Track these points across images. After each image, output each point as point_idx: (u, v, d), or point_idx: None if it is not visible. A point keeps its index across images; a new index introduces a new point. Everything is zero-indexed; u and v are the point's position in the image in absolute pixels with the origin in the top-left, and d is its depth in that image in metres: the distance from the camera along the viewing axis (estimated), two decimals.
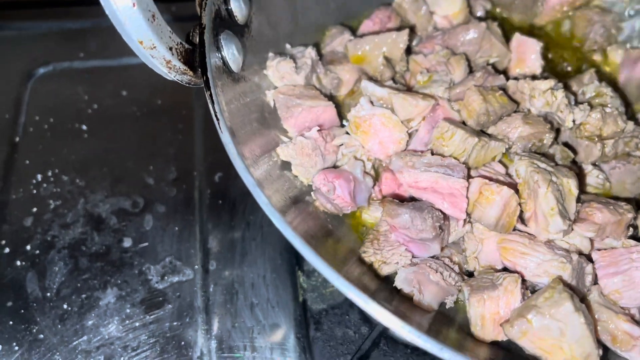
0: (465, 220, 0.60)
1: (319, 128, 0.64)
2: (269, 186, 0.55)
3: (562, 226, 0.56)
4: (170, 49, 0.50)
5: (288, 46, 0.72)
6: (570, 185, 0.58)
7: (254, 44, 0.66)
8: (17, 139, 0.88)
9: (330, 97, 0.71)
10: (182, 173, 0.86)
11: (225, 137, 0.49)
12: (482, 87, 0.67)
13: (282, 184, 0.62)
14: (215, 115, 0.50)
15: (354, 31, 0.78)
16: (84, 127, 0.90)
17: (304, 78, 0.67)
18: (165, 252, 0.79)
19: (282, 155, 0.63)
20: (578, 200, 0.59)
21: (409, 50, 0.75)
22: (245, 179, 0.47)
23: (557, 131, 0.68)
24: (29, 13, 1.03)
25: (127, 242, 0.80)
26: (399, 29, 0.74)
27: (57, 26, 1.02)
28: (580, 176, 0.66)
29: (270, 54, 0.69)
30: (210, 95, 0.51)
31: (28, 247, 0.78)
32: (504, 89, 0.69)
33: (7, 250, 0.78)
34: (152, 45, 0.48)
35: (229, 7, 0.62)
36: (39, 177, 0.85)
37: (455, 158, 0.61)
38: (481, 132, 0.64)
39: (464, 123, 0.66)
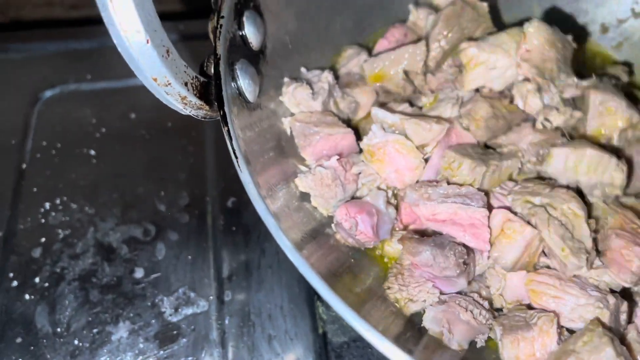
0: (488, 252, 0.57)
1: (338, 157, 0.61)
2: (287, 220, 0.53)
3: (580, 263, 0.54)
4: (186, 84, 0.47)
5: (304, 70, 0.69)
6: (573, 209, 0.56)
7: (269, 69, 0.64)
8: (24, 165, 0.86)
9: (348, 121, 0.69)
10: (194, 198, 0.84)
11: (245, 177, 0.47)
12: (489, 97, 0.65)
13: (300, 216, 0.59)
14: (234, 153, 0.47)
15: (370, 51, 0.76)
16: (92, 152, 0.88)
17: (321, 104, 0.65)
18: (179, 283, 0.77)
19: (301, 187, 0.60)
20: (590, 215, 0.57)
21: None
22: (268, 222, 0.44)
23: (571, 137, 0.66)
24: (34, 34, 1.01)
25: (139, 273, 0.77)
26: (415, 42, 0.71)
27: (63, 47, 0.99)
28: None
29: (286, 79, 0.67)
30: (228, 131, 0.48)
31: (37, 280, 0.76)
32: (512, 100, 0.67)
33: (15, 283, 0.76)
34: (167, 82, 0.45)
35: (244, 33, 0.60)
36: (47, 205, 0.82)
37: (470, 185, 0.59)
38: (490, 152, 0.62)
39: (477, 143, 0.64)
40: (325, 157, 0.62)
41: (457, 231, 0.57)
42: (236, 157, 0.47)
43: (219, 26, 0.55)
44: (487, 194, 0.58)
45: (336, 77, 0.70)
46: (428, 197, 0.58)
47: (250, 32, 0.60)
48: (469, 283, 0.58)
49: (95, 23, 0.94)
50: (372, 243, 0.59)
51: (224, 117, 0.49)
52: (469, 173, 0.57)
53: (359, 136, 0.67)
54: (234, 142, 0.48)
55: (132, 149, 0.88)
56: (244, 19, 0.59)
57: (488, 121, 0.62)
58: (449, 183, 0.58)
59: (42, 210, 0.82)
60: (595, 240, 0.56)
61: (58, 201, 0.83)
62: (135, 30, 0.42)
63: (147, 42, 0.43)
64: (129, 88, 0.94)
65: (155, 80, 0.45)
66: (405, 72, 0.68)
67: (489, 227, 0.56)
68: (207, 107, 0.50)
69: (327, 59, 0.74)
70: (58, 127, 0.90)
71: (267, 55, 0.64)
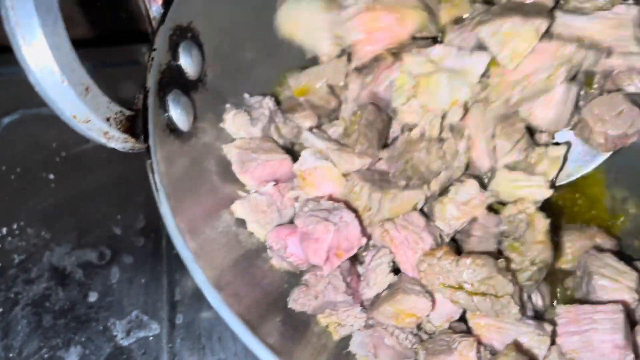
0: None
1: (274, 182, 0.63)
2: (215, 250, 0.54)
3: (517, 316, 0.55)
4: (108, 119, 0.49)
5: (247, 96, 0.70)
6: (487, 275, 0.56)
7: (209, 97, 0.65)
8: None
9: (291, 146, 0.70)
10: (150, 221, 0.85)
11: (164, 210, 0.48)
12: None
13: (234, 242, 0.60)
14: (155, 186, 0.49)
15: None
16: (52, 176, 0.89)
17: (261, 130, 0.66)
18: (132, 306, 0.78)
19: (237, 213, 0.61)
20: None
21: None
22: (184, 256, 0.46)
23: None
24: None
25: (93, 297, 0.78)
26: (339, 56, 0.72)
27: (22, 71, 1.00)
28: None
29: (228, 106, 0.68)
30: (151, 164, 0.50)
31: None
32: None
33: None
34: (87, 119, 0.47)
35: (179, 64, 0.61)
36: (4, 230, 0.83)
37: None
38: (393, 182, 0.61)
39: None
40: (264, 182, 0.64)
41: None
42: (156, 190, 0.48)
43: (150, 59, 0.56)
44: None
45: (279, 102, 0.72)
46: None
47: (187, 63, 0.61)
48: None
49: None
50: (304, 265, 0.60)
51: (148, 149, 0.50)
52: (367, 198, 0.58)
53: None
54: (155, 175, 0.49)
55: (92, 173, 0.89)
56: (180, 50, 0.61)
57: None
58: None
59: None
60: (514, 280, 0.56)
61: (15, 226, 0.84)
62: (50, 72, 0.43)
63: (63, 82, 0.44)
64: None
65: (74, 117, 0.46)
66: (329, 86, 0.69)
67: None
68: (132, 140, 0.51)
69: (273, 84, 0.75)
70: (18, 152, 0.91)
71: (207, 82, 0.65)
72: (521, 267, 0.56)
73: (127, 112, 0.52)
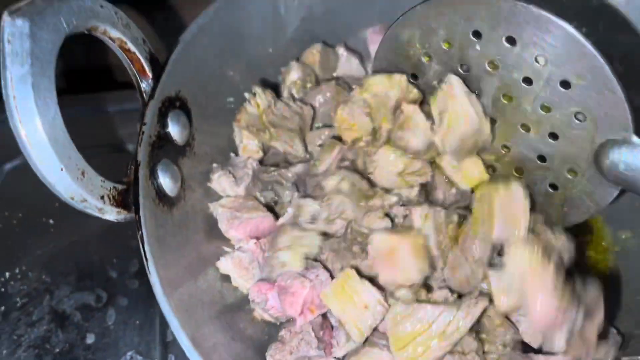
0: None
1: (256, 240, 0.68)
2: (202, 305, 0.60)
3: None
4: (102, 197, 0.54)
5: (232, 155, 0.76)
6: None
7: (197, 159, 0.71)
8: None
9: (274, 204, 0.75)
10: (143, 265, 0.90)
11: (153, 279, 0.53)
12: None
13: (219, 295, 0.66)
14: (145, 256, 0.54)
15: None
16: (51, 221, 0.94)
17: (245, 189, 0.72)
18: (127, 347, 0.83)
19: (222, 270, 0.67)
20: None
21: None
22: (171, 323, 0.51)
23: None
24: None
25: (90, 339, 0.83)
26: None
27: None
28: None
29: (215, 166, 0.73)
30: (142, 235, 0.55)
31: None
32: None
33: None
34: (82, 199, 0.52)
35: (168, 131, 0.66)
36: (7, 274, 0.89)
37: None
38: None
39: None
40: (247, 238, 0.69)
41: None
42: (146, 260, 0.54)
43: (141, 132, 0.62)
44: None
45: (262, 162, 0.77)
46: None
47: (175, 131, 0.67)
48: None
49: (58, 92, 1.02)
50: (283, 317, 0.66)
51: (138, 221, 0.56)
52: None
53: None
54: (146, 246, 0.54)
55: (88, 218, 0.94)
56: (168, 119, 0.66)
57: None
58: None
59: (2, 279, 0.88)
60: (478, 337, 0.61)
61: (17, 270, 0.89)
62: (50, 161, 0.49)
63: (62, 170, 0.49)
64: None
65: (72, 198, 0.51)
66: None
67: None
68: (125, 212, 0.57)
69: None
70: (20, 198, 0.97)
71: (194, 146, 0.71)
72: (497, 355, 0.60)
73: (120, 187, 0.57)
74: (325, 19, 0.85)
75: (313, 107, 0.76)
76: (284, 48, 0.82)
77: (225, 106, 0.77)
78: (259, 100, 0.72)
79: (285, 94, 0.77)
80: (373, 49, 0.88)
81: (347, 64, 0.87)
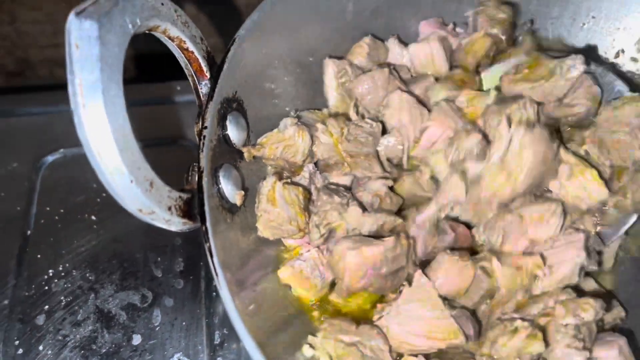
0: None
1: (316, 248, 0.66)
2: (265, 318, 0.58)
3: None
4: (169, 208, 0.52)
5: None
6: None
7: (254, 162, 0.68)
8: (29, 232, 0.91)
9: None
10: (188, 264, 0.88)
11: (225, 293, 0.51)
12: None
13: (284, 303, 0.64)
14: (215, 270, 0.52)
15: None
16: (94, 218, 0.92)
17: None
18: (174, 349, 0.81)
19: (282, 280, 0.64)
20: None
21: None
22: (247, 343, 0.49)
23: None
24: (36, 97, 1.06)
25: (137, 340, 0.82)
26: None
27: (66, 109, 1.04)
28: None
29: (269, 168, 0.71)
30: (209, 247, 0.53)
31: (41, 347, 0.81)
32: None
33: (20, 350, 0.81)
34: (151, 211, 0.50)
35: (227, 134, 0.64)
36: (51, 272, 0.87)
37: None
38: None
39: None
40: (305, 246, 0.67)
41: None
42: (216, 274, 0.52)
43: (202, 137, 0.59)
44: None
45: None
46: None
47: (234, 133, 0.64)
48: None
49: None
50: None
51: (206, 232, 0.53)
52: None
53: None
54: (214, 259, 0.52)
55: (130, 215, 0.92)
56: (227, 122, 0.64)
57: None
58: None
59: (46, 277, 0.87)
60: None
61: (61, 268, 0.88)
62: (120, 173, 0.46)
63: (132, 182, 0.47)
64: None
65: (140, 211, 0.49)
66: None
67: None
68: (190, 223, 0.54)
69: None
70: (61, 192, 0.95)
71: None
72: None
73: (185, 196, 0.55)
74: (379, 13, 0.82)
75: (382, 122, 0.72)
76: (334, 45, 0.79)
77: (277, 107, 0.74)
78: (332, 129, 0.69)
79: (352, 115, 0.73)
80: None
81: (398, 57, 0.84)
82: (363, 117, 0.73)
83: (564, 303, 0.60)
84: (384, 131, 0.72)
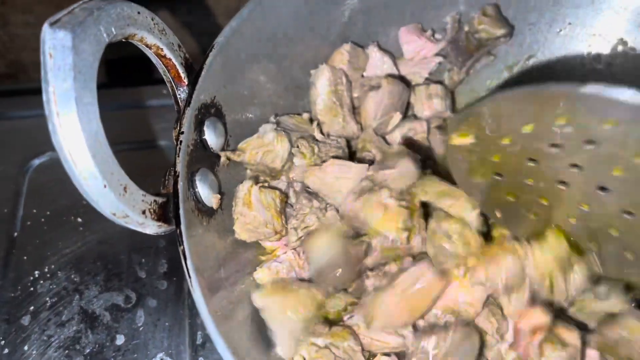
0: None
1: (293, 250, 0.67)
2: (240, 321, 0.59)
3: None
4: (143, 212, 0.53)
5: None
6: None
7: (232, 167, 0.70)
8: (15, 234, 0.92)
9: None
10: (172, 266, 0.90)
11: (197, 296, 0.52)
12: None
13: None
14: (188, 273, 0.53)
15: None
16: (79, 220, 0.94)
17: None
18: (156, 349, 0.83)
19: (259, 280, 0.66)
20: None
21: None
22: (218, 344, 0.50)
23: None
24: (23, 101, 1.08)
25: (120, 340, 0.83)
26: None
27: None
28: None
29: (248, 172, 0.72)
30: (183, 250, 0.54)
31: (26, 347, 0.82)
32: None
33: (6, 350, 0.82)
34: (124, 215, 0.51)
35: (204, 138, 0.65)
36: (36, 273, 0.89)
37: None
38: None
39: None
40: (282, 248, 0.68)
41: None
42: (189, 276, 0.53)
43: (178, 142, 0.61)
44: None
45: None
46: None
47: (211, 138, 0.65)
48: None
49: None
50: None
51: (180, 235, 0.55)
52: None
53: None
54: (188, 261, 0.53)
55: None
56: (205, 127, 0.65)
57: None
58: None
59: (32, 278, 0.88)
60: None
61: (46, 269, 0.89)
62: (94, 178, 0.48)
63: (105, 187, 0.48)
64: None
65: (114, 214, 0.50)
66: None
67: None
68: (166, 226, 0.56)
69: None
70: (47, 195, 0.96)
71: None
72: None
73: (160, 200, 0.56)
74: (358, 19, 0.83)
75: (346, 138, 0.75)
76: (315, 50, 0.80)
77: (257, 112, 0.76)
78: (304, 149, 0.70)
79: (318, 135, 0.74)
80: (406, 47, 0.87)
81: (378, 64, 0.85)
82: (328, 135, 0.75)
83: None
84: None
